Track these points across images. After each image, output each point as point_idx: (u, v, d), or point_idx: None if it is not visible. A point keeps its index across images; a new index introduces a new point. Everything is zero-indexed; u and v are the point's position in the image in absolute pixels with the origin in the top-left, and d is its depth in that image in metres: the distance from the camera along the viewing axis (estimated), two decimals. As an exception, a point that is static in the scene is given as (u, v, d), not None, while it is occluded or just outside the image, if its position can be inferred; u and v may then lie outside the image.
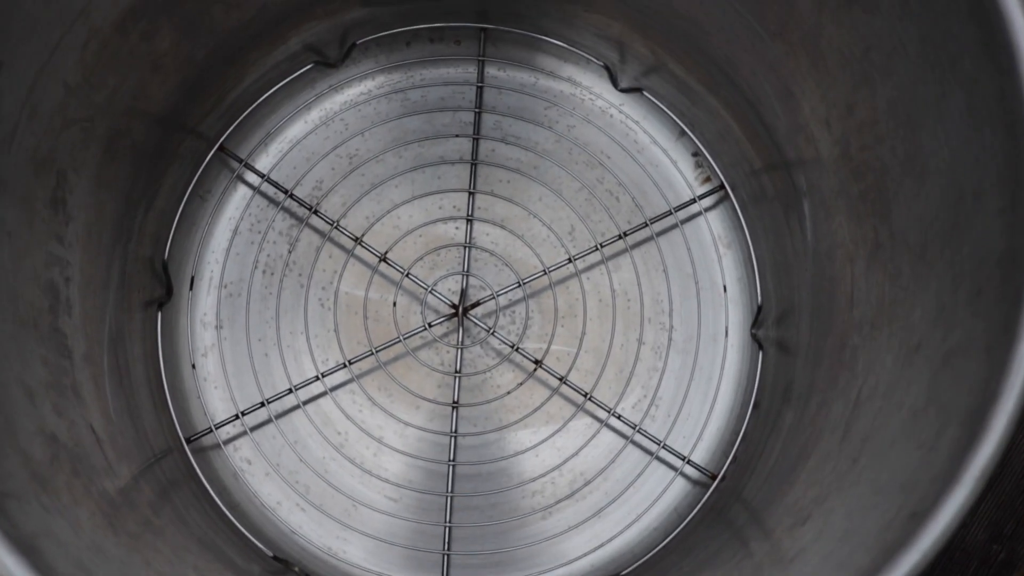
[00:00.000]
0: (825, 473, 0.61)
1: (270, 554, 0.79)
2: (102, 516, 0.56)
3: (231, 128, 0.84)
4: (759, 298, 0.83)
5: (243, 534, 0.79)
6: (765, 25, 0.68)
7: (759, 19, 0.68)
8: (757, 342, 0.83)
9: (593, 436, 0.83)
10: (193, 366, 0.82)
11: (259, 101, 0.84)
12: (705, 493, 0.81)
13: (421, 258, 0.84)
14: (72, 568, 0.46)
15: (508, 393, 0.83)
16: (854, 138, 0.64)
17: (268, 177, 0.84)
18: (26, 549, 0.43)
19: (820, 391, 0.70)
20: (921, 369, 0.54)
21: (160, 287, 0.81)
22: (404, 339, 0.82)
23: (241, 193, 0.85)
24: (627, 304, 0.84)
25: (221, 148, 0.83)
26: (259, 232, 0.84)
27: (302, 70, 0.85)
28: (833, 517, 0.55)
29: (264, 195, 0.85)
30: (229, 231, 0.85)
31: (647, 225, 0.84)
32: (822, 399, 0.69)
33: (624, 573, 0.80)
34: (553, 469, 0.82)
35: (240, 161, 0.84)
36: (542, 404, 0.83)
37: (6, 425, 0.50)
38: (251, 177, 0.85)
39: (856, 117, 0.63)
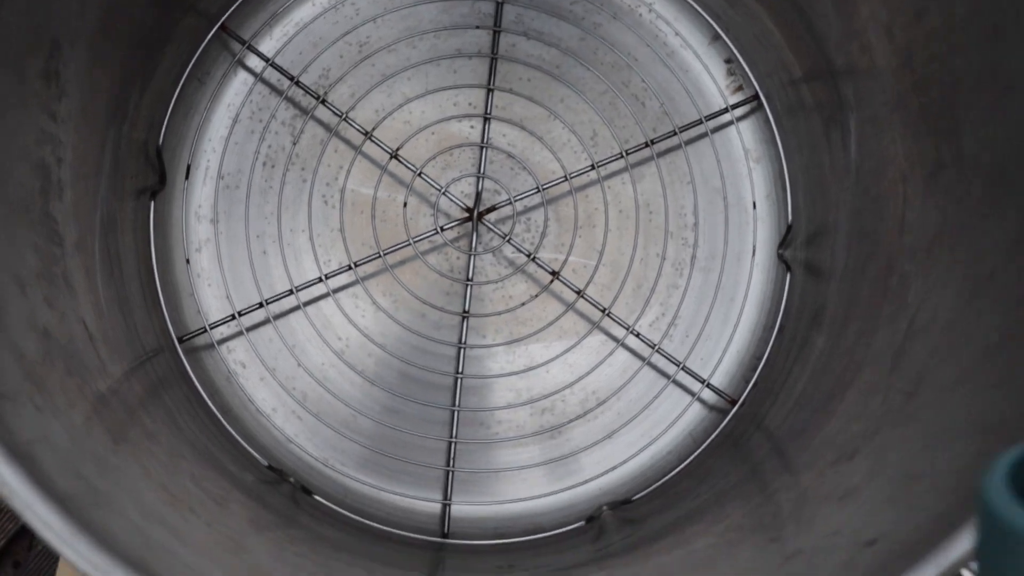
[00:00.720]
0: (872, 407, 0.57)
1: (264, 463, 0.75)
2: (98, 420, 0.52)
3: (234, 6, 0.77)
4: (789, 217, 0.79)
5: (236, 441, 0.75)
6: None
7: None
8: (784, 263, 0.79)
9: (609, 354, 0.78)
10: (187, 261, 0.77)
11: (266, -23, 0.78)
12: (723, 419, 0.78)
13: (434, 157, 0.79)
14: (70, 477, 0.42)
15: (522, 305, 0.78)
16: (920, 48, 0.59)
17: (272, 62, 0.78)
18: (23, 457, 0.38)
19: (859, 319, 0.66)
20: (994, 301, 0.50)
21: (154, 174, 0.75)
22: (414, 242, 0.77)
23: (242, 78, 0.79)
24: (649, 216, 0.80)
25: (223, 27, 0.77)
26: (260, 121, 0.79)
27: (313, -54, 0.78)
28: (889, 455, 0.51)
29: (267, 82, 0.79)
30: (228, 119, 0.79)
31: (675, 133, 0.79)
32: (861, 327, 0.65)
33: (636, 497, 0.77)
34: (565, 387, 0.78)
35: (243, 43, 0.78)
36: (557, 318, 0.78)
37: (-4, 316, 0.46)
38: (254, 62, 0.79)
39: (926, 24, 0.57)
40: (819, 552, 0.49)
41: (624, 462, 0.78)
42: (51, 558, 0.86)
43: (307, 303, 0.78)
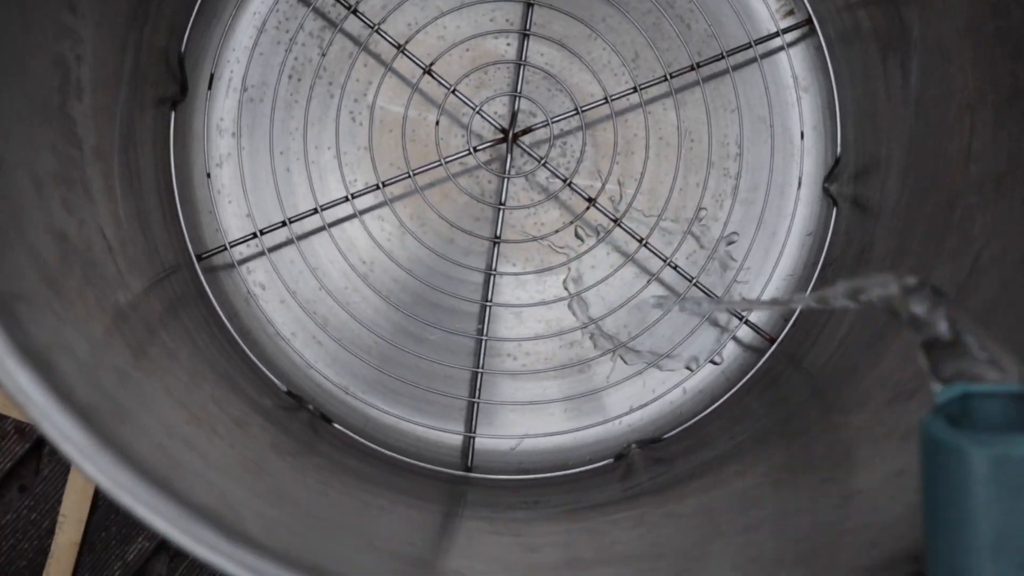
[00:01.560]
0: (933, 344, 0.54)
1: (283, 388, 0.72)
2: (118, 333, 0.49)
3: (263, -93, 0.73)
4: (838, 149, 0.75)
5: (255, 364, 0.72)
6: None
7: None
8: (830, 197, 0.75)
9: (643, 288, 0.75)
10: (208, 176, 0.74)
11: None
12: (760, 358, 0.75)
13: (468, 75, 0.75)
14: (91, 389, 0.39)
15: (556, 232, 0.75)
16: (1000, -34, 0.55)
17: (302, -32, 0.74)
18: (41, 363, 0.35)
19: (915, 254, 0.62)
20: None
21: (175, 84, 0.71)
22: (445, 163, 0.73)
23: (269, -15, 0.75)
24: (691, 145, 0.76)
25: (251, -71, 0.73)
26: (287, 31, 0.75)
27: None
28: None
29: (295, -11, 0.75)
30: (254, 28, 0.75)
31: (723, 57, 0.75)
32: (918, 263, 0.62)
33: (666, 436, 0.74)
34: (597, 319, 0.75)
35: (271, -53, 0.74)
36: (591, 248, 0.75)
37: (13, 216, 0.42)
38: (282, -33, 0.75)
39: (1010, -61, 0.54)
40: (882, 492, 0.46)
41: (655, 399, 0.75)
42: (59, 482, 0.84)
43: (332, 224, 0.74)
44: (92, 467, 0.35)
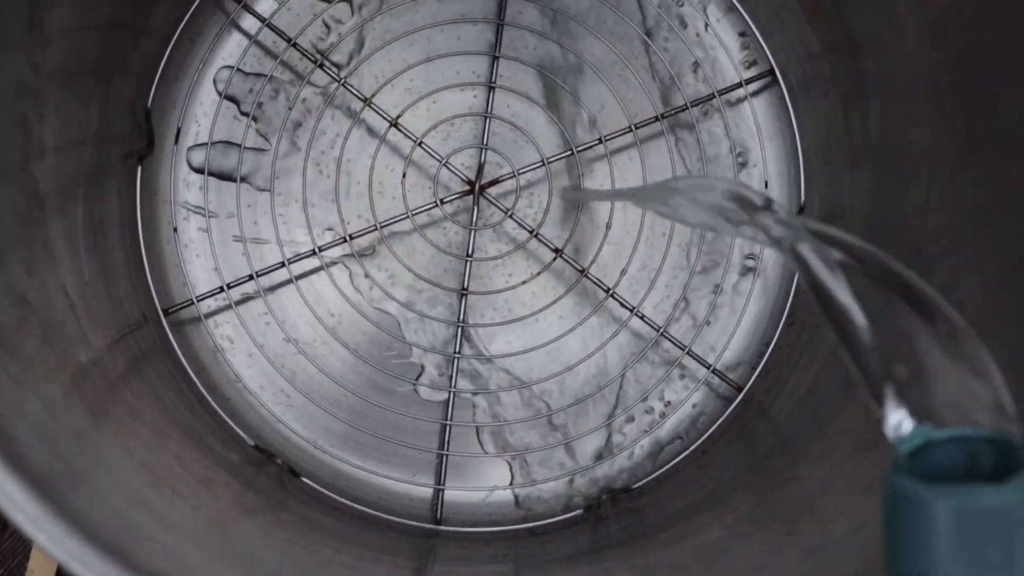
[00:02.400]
0: (895, 395, 0.54)
1: (251, 443, 0.71)
2: (78, 394, 0.48)
3: (229, -37, 0.74)
4: (802, 197, 0.76)
5: (222, 419, 0.71)
6: None
7: None
8: (796, 246, 0.76)
9: (612, 336, 0.75)
10: (175, 230, 0.74)
11: (263, -66, 0.74)
12: (728, 406, 0.75)
13: (435, 127, 0.75)
14: (46, 455, 0.38)
15: (523, 283, 0.75)
16: (954, 20, 0.56)
17: (269, 22, 0.74)
18: (-6, 432, 0.35)
19: (878, 303, 0.63)
20: (1032, 288, 0.48)
21: (142, 138, 0.71)
22: (412, 215, 0.73)
23: (236, 39, 0.75)
24: (657, 194, 0.76)
25: (217, -15, 0.73)
26: (254, 85, 0.75)
27: (313, -97, 0.75)
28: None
29: (262, 44, 0.75)
30: (221, 81, 0.75)
31: (687, 108, 0.76)
32: (881, 312, 0.62)
33: (637, 486, 0.74)
34: (565, 370, 0.75)
35: (238, 2, 0.74)
36: (559, 298, 0.75)
37: (-31, 280, 0.42)
38: (249, 22, 0.75)
39: (961, -5, 0.54)
40: (842, 547, 0.46)
41: (624, 449, 0.75)
42: (25, 539, 0.83)
43: (299, 276, 0.74)
44: (44, 537, 0.34)
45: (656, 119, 0.75)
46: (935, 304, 0.32)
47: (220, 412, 0.71)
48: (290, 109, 0.75)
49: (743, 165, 0.77)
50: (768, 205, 0.40)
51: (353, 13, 0.76)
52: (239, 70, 0.75)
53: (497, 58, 0.76)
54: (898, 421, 0.31)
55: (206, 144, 0.74)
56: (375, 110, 0.74)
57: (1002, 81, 0.52)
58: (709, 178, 0.45)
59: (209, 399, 0.71)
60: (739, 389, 0.75)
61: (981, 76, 0.54)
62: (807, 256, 0.35)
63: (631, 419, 0.75)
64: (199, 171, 0.74)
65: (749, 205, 0.42)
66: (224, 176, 0.74)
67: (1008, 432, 0.30)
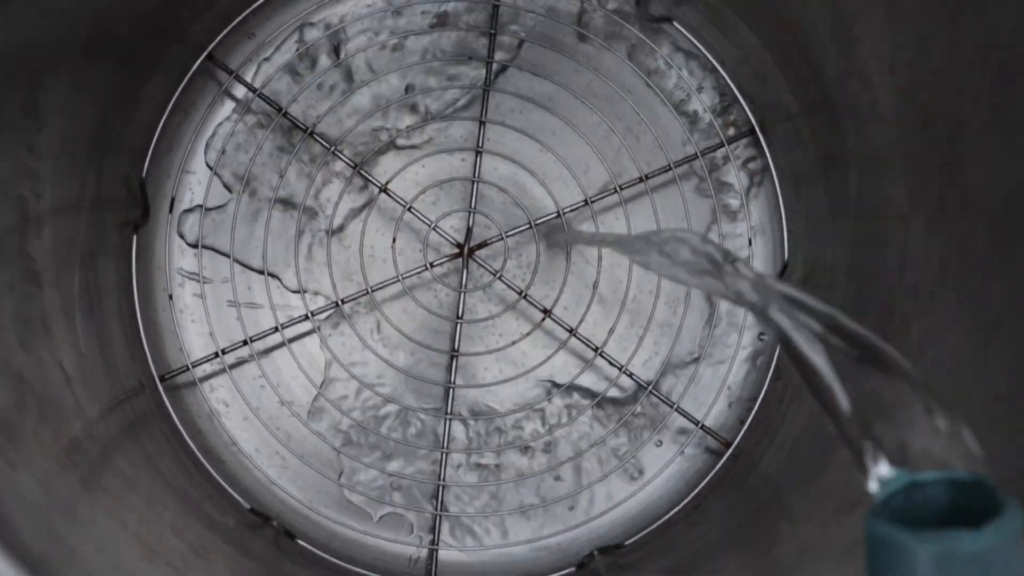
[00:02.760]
0: (875, 454, 0.55)
1: (247, 506, 0.72)
2: (72, 467, 0.49)
3: (221, 35, 0.75)
4: (785, 255, 0.77)
5: (218, 483, 0.72)
6: (831, -49, 0.61)
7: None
8: (781, 301, 0.77)
9: (600, 395, 0.76)
10: (170, 297, 0.75)
11: (254, 6, 0.76)
12: (718, 461, 0.76)
13: (424, 191, 0.77)
14: (44, 538, 0.39)
15: (513, 343, 0.76)
16: (925, 85, 0.57)
17: (260, 92, 0.76)
18: (-10, 518, 0.36)
19: (859, 360, 0.64)
20: (1002, 347, 0.49)
21: (136, 208, 0.73)
22: (402, 279, 0.75)
23: (228, 109, 0.77)
24: (643, 253, 0.78)
25: (209, 57, 0.75)
26: (247, 153, 0.77)
27: (302, -24, 0.77)
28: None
29: (254, 112, 0.77)
30: (214, 151, 0.77)
31: (670, 168, 0.77)
32: (862, 369, 0.63)
33: (628, 542, 0.75)
34: (556, 427, 0.76)
35: (230, 73, 0.76)
36: (548, 358, 0.76)
37: (-34, 364, 0.43)
38: (240, 92, 0.77)
39: (930, 63, 0.56)
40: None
41: (616, 505, 0.76)
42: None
43: (292, 340, 0.76)
44: (39, 619, 0.35)
45: (640, 180, 0.77)
46: (894, 361, 0.33)
47: (216, 476, 0.73)
48: (281, 177, 0.76)
49: (728, 223, 0.78)
50: (729, 259, 0.42)
51: (344, 80, 0.78)
52: (231, 139, 0.76)
53: (484, 123, 0.77)
54: (876, 470, 0.32)
55: (200, 211, 0.76)
56: (366, 176, 0.76)
57: (968, 145, 0.53)
58: (684, 231, 0.46)
59: (205, 463, 0.72)
60: (728, 444, 0.76)
61: (949, 140, 0.55)
62: (775, 318, 0.36)
63: (621, 475, 0.76)
64: (193, 245, 0.76)
65: (714, 261, 0.43)
66: (218, 242, 0.76)
67: (982, 475, 0.30)
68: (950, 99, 0.55)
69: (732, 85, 0.78)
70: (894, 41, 0.59)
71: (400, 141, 0.77)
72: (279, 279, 0.76)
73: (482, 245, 0.76)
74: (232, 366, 0.75)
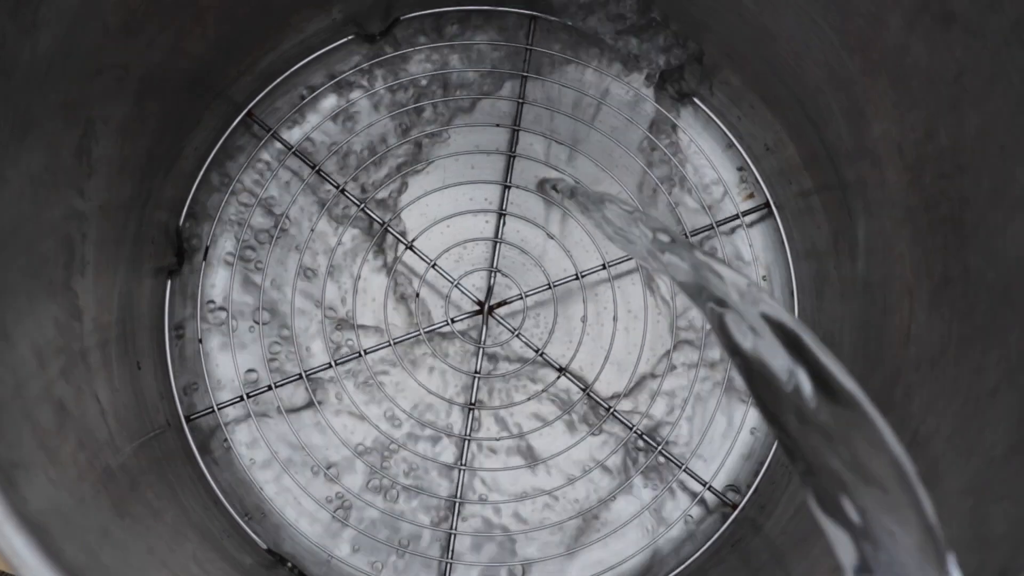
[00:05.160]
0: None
1: (264, 547, 0.74)
2: (106, 495, 0.52)
3: (262, 94, 0.79)
4: (796, 324, 0.79)
5: (236, 521, 0.75)
6: (844, 39, 0.64)
7: (839, 32, 0.64)
8: (789, 369, 0.79)
9: (611, 453, 0.79)
10: (200, 341, 0.78)
11: (294, 68, 0.80)
12: (723, 522, 0.77)
13: (448, 250, 0.80)
14: (80, 552, 0.42)
15: (528, 399, 0.79)
16: (930, 166, 0.60)
17: (295, 150, 0.80)
18: (36, 528, 0.39)
19: (863, 428, 0.66)
20: (999, 415, 0.51)
21: (172, 254, 0.76)
22: (424, 332, 0.78)
23: (264, 163, 0.81)
24: (658, 317, 0.81)
25: (249, 114, 0.79)
26: (280, 207, 0.80)
27: (341, 40, 0.81)
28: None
29: (289, 169, 0.81)
30: (247, 203, 0.80)
31: (687, 237, 0.80)
32: (865, 436, 0.65)
33: (633, 599, 0.76)
34: (567, 484, 0.78)
35: (268, 130, 0.80)
36: (561, 415, 0.79)
37: (15, 388, 0.46)
38: (276, 148, 0.81)
39: (936, 144, 0.59)
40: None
41: (622, 563, 0.78)
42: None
43: (314, 387, 0.78)
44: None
45: (657, 247, 0.80)
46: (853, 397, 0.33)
47: (235, 516, 0.75)
48: (312, 231, 0.79)
49: (739, 292, 0.81)
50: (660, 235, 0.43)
51: (376, 142, 0.81)
52: (265, 191, 0.80)
53: (508, 187, 0.81)
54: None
55: (233, 260, 0.79)
56: (392, 233, 0.79)
57: (969, 224, 0.56)
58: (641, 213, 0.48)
59: (225, 503, 0.75)
60: (734, 506, 0.77)
61: (952, 218, 0.58)
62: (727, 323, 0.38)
63: (628, 534, 0.78)
64: (224, 286, 0.79)
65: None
66: (248, 291, 0.79)
67: None
68: (954, 179, 0.58)
69: (748, 161, 0.82)
70: (901, 122, 0.62)
71: (427, 201, 0.81)
72: (306, 329, 0.79)
73: (502, 304, 0.79)
74: (256, 411, 0.77)
